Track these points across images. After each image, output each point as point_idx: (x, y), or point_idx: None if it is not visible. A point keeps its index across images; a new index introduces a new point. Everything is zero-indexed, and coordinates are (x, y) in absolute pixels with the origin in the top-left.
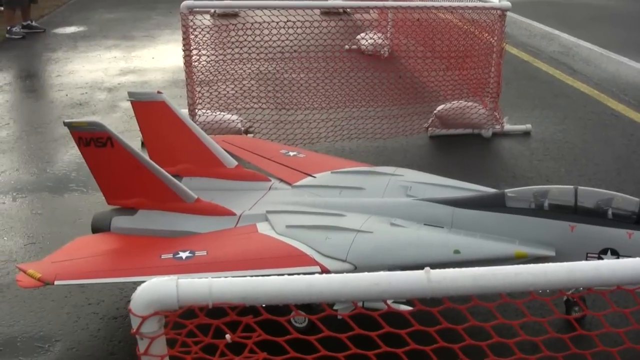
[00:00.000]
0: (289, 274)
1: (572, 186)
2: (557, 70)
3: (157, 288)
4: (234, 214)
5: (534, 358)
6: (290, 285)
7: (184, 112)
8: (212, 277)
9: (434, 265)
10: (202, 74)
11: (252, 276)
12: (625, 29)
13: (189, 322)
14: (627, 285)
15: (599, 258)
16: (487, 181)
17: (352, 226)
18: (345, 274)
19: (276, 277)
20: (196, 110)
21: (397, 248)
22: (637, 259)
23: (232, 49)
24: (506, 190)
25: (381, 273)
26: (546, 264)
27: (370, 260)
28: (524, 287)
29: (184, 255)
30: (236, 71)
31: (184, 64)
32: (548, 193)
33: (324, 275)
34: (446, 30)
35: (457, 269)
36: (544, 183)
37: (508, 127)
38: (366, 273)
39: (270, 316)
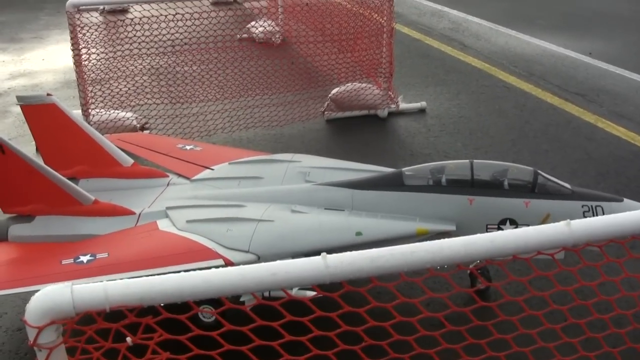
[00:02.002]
0: (192, 269)
1: (467, 160)
2: (449, 47)
3: (51, 296)
4: (133, 213)
5: (437, 334)
6: (187, 282)
7: (77, 112)
8: (108, 280)
9: (337, 249)
10: (94, 72)
11: (154, 275)
12: (511, 2)
13: (88, 328)
14: (522, 255)
15: (499, 229)
16: (385, 161)
17: (253, 216)
18: (241, 266)
19: (172, 275)
20: (89, 110)
21: (299, 235)
22: (530, 227)
23: (123, 45)
24: (404, 169)
25: (278, 262)
26: (442, 240)
27: (273, 249)
28: (421, 264)
29: (85, 259)
30: (128, 68)
31: (74, 63)
32: (445, 169)
33: (221, 269)
34: (336, 13)
35: (354, 252)
36: (442, 159)
37: (403, 105)
38: (263, 263)
39: (169, 315)
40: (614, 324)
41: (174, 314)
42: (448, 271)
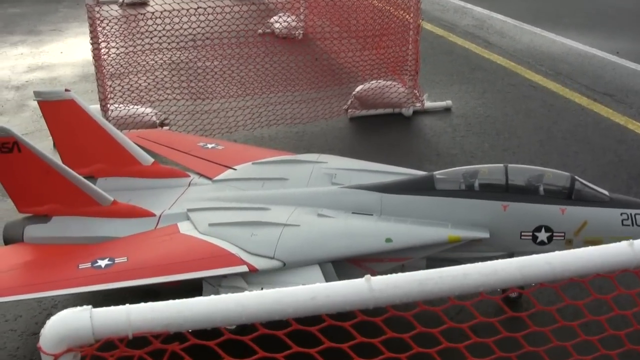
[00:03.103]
0: (215, 276)
1: (502, 164)
2: (473, 44)
3: (68, 321)
4: (153, 215)
5: None
6: (219, 307)
7: (95, 108)
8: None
9: (365, 256)
10: (112, 67)
11: (176, 281)
12: (535, 0)
13: (109, 354)
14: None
15: (533, 236)
16: (410, 161)
17: (278, 220)
18: (277, 289)
19: (202, 298)
20: (108, 105)
21: (326, 240)
22: (589, 248)
23: (143, 39)
24: (435, 173)
25: (318, 285)
26: (495, 262)
27: (299, 256)
28: (474, 288)
29: (102, 263)
30: (147, 62)
31: (93, 57)
32: (478, 173)
33: (255, 292)
34: (361, 9)
35: (400, 274)
36: (469, 159)
37: (428, 104)
38: (301, 286)
39: (198, 341)
40: None
41: (200, 337)
42: (499, 295)
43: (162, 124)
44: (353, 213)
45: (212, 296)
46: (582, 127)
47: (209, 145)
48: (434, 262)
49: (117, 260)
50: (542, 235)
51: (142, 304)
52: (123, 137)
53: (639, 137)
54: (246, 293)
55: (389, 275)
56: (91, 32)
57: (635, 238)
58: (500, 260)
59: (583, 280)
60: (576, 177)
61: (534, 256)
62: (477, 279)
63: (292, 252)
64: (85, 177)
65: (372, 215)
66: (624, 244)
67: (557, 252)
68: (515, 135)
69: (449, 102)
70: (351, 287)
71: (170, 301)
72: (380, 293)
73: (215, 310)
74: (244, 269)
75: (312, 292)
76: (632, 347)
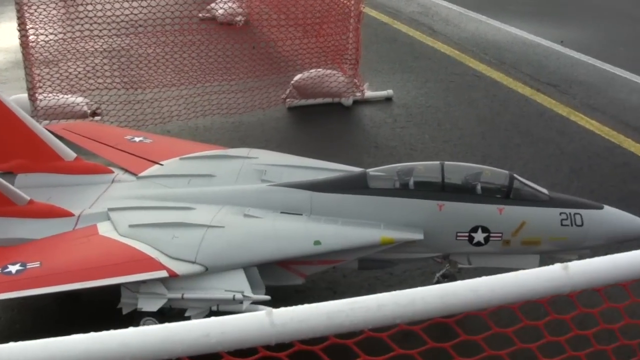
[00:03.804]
0: (133, 282)
1: (438, 162)
2: (417, 32)
3: None
4: (72, 215)
5: None
6: (99, 347)
7: (24, 97)
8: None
9: (293, 259)
10: (41, 54)
11: (91, 288)
12: None
13: None
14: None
15: (470, 237)
16: (349, 153)
17: (202, 221)
18: (166, 325)
19: (79, 336)
20: (37, 95)
21: (251, 243)
22: (520, 272)
23: (74, 27)
24: (368, 170)
25: (212, 320)
26: (414, 290)
27: (223, 260)
28: (391, 319)
29: (13, 269)
30: (78, 50)
31: (20, 44)
32: (413, 171)
33: (140, 329)
34: None
35: (307, 306)
36: (408, 151)
37: (369, 93)
38: (193, 322)
39: None
40: None
41: None
42: (420, 324)
43: (93, 114)
44: (282, 213)
45: (92, 334)
46: (525, 119)
47: (137, 139)
48: (366, 263)
49: (29, 266)
50: (479, 236)
51: (12, 344)
52: (44, 131)
53: (581, 130)
54: (130, 330)
55: (293, 308)
56: (18, 17)
57: (573, 239)
58: (419, 289)
59: (513, 305)
60: (515, 175)
61: (457, 283)
62: (394, 310)
63: (214, 255)
64: (4, 173)
65: (301, 215)
66: (558, 267)
67: (483, 278)
68: (456, 126)
69: (390, 92)
70: (250, 322)
71: (45, 340)
72: (283, 327)
73: (94, 351)
74: (163, 274)
75: (206, 328)
76: (551, 339)
